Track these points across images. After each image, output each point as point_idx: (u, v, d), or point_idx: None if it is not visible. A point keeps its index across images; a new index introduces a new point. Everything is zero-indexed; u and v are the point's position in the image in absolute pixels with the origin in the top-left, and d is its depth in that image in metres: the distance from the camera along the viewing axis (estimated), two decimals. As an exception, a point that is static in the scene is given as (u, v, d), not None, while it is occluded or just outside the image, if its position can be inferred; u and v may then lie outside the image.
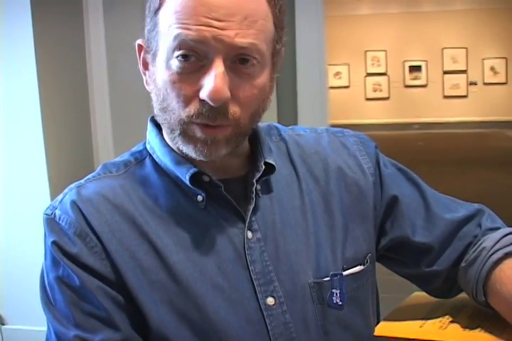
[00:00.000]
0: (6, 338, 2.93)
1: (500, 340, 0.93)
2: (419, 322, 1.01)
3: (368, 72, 12.70)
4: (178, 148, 0.93)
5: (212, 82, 0.82)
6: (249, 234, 0.93)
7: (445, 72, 12.44)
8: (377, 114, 12.60)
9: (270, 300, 0.91)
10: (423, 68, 12.51)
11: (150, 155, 0.98)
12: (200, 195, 0.92)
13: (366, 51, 12.55)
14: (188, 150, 0.89)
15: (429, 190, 1.08)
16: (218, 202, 0.93)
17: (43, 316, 0.94)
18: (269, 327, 0.90)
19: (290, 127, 1.10)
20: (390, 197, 1.04)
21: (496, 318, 0.97)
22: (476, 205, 1.08)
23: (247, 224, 0.93)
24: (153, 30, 0.89)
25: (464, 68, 12.33)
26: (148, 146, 0.99)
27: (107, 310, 0.88)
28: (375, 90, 12.74)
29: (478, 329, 0.97)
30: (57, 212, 0.92)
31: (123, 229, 0.91)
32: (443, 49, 12.28)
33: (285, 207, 0.97)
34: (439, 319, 1.01)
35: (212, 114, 0.85)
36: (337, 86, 12.38)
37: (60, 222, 0.91)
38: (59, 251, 0.90)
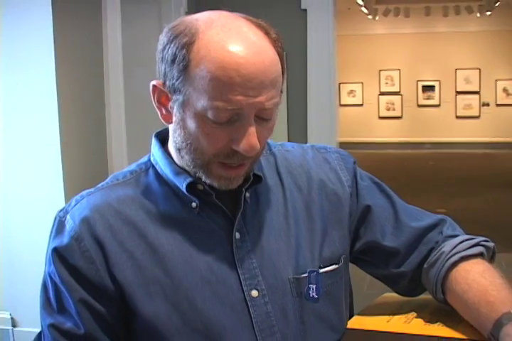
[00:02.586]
0: (17, 340, 3.04)
1: (455, 332, 1.07)
2: (387, 317, 1.15)
3: (382, 90, 12.82)
4: (194, 173, 1.04)
5: (249, 139, 0.97)
6: (238, 235, 1.06)
7: (458, 93, 12.52)
8: (389, 133, 12.69)
9: (254, 293, 1.04)
10: (436, 88, 12.61)
11: (153, 166, 1.11)
12: (194, 202, 1.05)
13: (380, 70, 12.68)
14: (211, 182, 1.03)
15: (399, 202, 1.21)
16: (210, 208, 1.06)
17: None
18: (252, 316, 1.03)
19: (279, 143, 1.23)
20: (364, 207, 1.18)
21: (452, 314, 1.11)
22: (440, 216, 1.21)
23: (235, 227, 1.06)
24: (180, 83, 0.97)
25: (477, 89, 12.41)
26: (152, 158, 1.12)
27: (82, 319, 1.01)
28: (388, 109, 12.85)
29: (438, 323, 1.11)
30: (68, 217, 1.06)
31: (123, 232, 1.04)
32: (456, 69, 12.37)
33: (270, 213, 1.10)
34: (405, 315, 1.15)
35: (241, 159, 1.00)
36: (351, 104, 12.53)
37: (67, 224, 1.05)
38: (55, 250, 1.03)
